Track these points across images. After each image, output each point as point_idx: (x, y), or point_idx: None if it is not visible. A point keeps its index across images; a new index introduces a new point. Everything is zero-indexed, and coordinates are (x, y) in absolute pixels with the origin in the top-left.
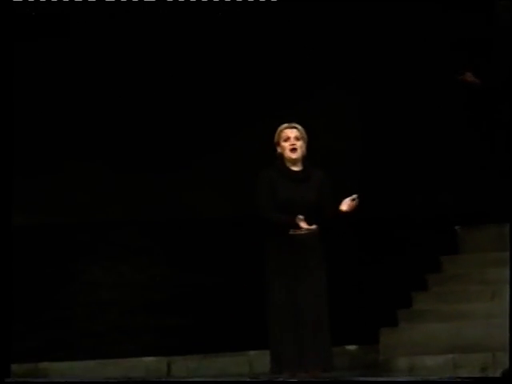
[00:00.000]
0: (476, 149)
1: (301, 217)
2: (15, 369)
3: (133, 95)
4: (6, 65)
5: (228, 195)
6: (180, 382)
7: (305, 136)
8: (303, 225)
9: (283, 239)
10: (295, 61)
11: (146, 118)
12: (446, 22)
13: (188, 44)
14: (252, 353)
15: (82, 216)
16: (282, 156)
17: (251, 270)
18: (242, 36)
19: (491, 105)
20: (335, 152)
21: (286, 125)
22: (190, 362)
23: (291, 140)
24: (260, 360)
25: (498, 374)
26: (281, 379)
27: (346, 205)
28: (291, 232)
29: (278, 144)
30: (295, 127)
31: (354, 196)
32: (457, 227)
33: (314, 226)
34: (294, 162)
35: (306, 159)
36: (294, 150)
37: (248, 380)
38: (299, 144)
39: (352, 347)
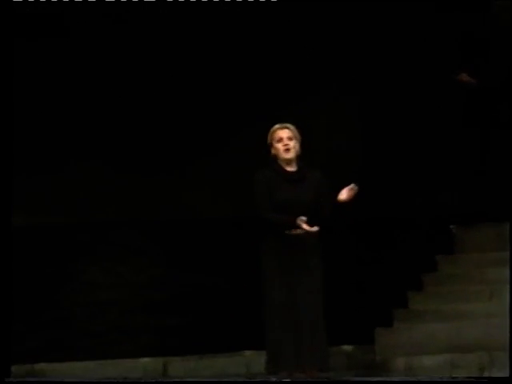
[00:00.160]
0: (474, 148)
1: (303, 218)
2: (15, 369)
3: (133, 95)
4: (6, 65)
5: (228, 195)
6: (178, 382)
7: (297, 135)
8: (305, 226)
9: (281, 239)
10: (295, 61)
11: (146, 118)
12: (444, 22)
13: (188, 44)
14: (249, 353)
15: (82, 216)
16: (276, 157)
17: (250, 270)
18: (242, 36)
19: (488, 105)
20: (335, 152)
21: (277, 125)
22: (188, 362)
23: (284, 140)
24: (257, 360)
25: (495, 373)
26: (277, 379)
27: (344, 194)
28: (288, 231)
29: (272, 145)
30: (287, 127)
31: (352, 185)
32: (452, 227)
33: (315, 228)
34: (289, 162)
35: (300, 159)
36: (287, 150)
37: (245, 380)
38: (292, 144)
39: (348, 347)
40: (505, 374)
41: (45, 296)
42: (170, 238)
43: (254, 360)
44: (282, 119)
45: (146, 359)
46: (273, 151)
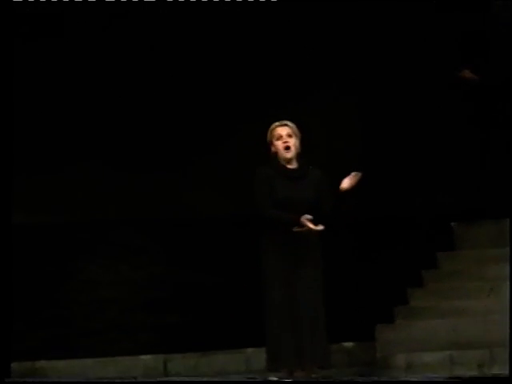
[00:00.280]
0: (474, 146)
1: (309, 217)
2: (14, 367)
3: (132, 95)
4: (6, 65)
5: (228, 194)
6: (178, 382)
7: (297, 132)
8: (310, 225)
9: (281, 237)
10: (295, 61)
11: (146, 118)
12: (444, 21)
13: (188, 44)
14: (249, 350)
15: (82, 215)
16: (276, 155)
17: (249, 268)
18: (242, 36)
19: (489, 102)
20: (335, 152)
21: (277, 123)
22: (188, 359)
23: (284, 138)
24: (257, 358)
25: (495, 370)
26: (278, 379)
27: (346, 183)
28: (295, 229)
29: (271, 143)
30: (286, 124)
31: (355, 173)
32: (453, 223)
33: (320, 227)
34: (289, 160)
35: (300, 156)
36: (287, 148)
37: (246, 380)
38: (292, 141)
39: (349, 344)
40: (505, 370)
41: (45, 294)
42: (170, 237)
43: (254, 357)
44: (282, 118)
45: (146, 357)
46: (273, 149)
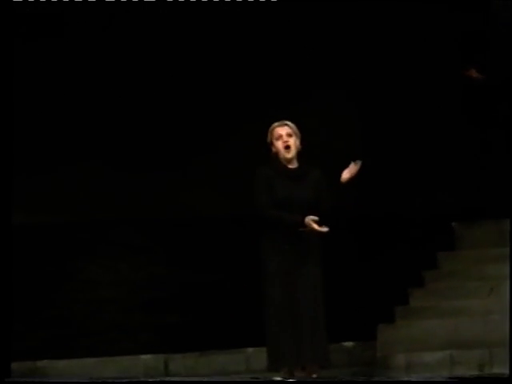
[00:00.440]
0: (474, 145)
1: (314, 218)
2: (14, 367)
3: (132, 95)
4: (6, 65)
5: (227, 193)
6: (178, 382)
7: (297, 132)
8: (316, 227)
9: (281, 236)
10: (295, 61)
11: (146, 118)
12: (444, 21)
13: (188, 44)
14: (249, 350)
15: (82, 215)
16: (276, 155)
17: (249, 268)
18: (242, 36)
19: (489, 103)
20: (335, 151)
21: (276, 123)
22: (188, 359)
23: (284, 137)
24: (257, 357)
25: (495, 370)
26: (279, 380)
27: (346, 173)
28: (301, 229)
29: (272, 143)
30: (286, 124)
31: (354, 162)
32: (453, 223)
33: (325, 229)
34: (290, 160)
35: (301, 156)
36: (287, 147)
37: (247, 380)
38: (292, 141)
39: (349, 344)
40: (505, 370)
41: (45, 294)
42: (170, 237)
43: (254, 357)
44: (282, 118)
45: (146, 356)
46: (273, 149)
